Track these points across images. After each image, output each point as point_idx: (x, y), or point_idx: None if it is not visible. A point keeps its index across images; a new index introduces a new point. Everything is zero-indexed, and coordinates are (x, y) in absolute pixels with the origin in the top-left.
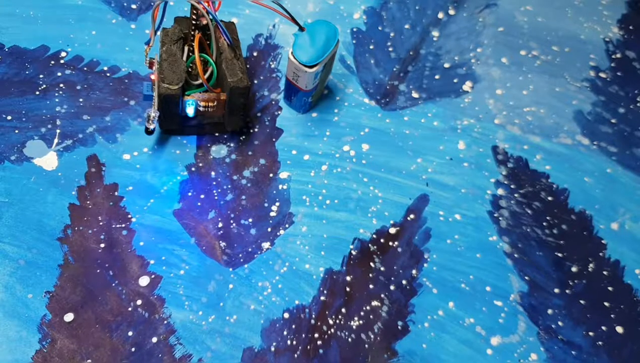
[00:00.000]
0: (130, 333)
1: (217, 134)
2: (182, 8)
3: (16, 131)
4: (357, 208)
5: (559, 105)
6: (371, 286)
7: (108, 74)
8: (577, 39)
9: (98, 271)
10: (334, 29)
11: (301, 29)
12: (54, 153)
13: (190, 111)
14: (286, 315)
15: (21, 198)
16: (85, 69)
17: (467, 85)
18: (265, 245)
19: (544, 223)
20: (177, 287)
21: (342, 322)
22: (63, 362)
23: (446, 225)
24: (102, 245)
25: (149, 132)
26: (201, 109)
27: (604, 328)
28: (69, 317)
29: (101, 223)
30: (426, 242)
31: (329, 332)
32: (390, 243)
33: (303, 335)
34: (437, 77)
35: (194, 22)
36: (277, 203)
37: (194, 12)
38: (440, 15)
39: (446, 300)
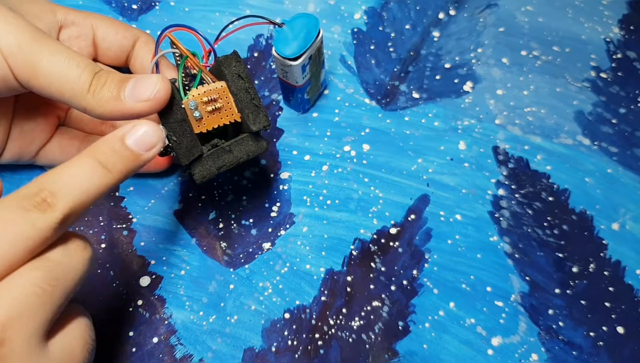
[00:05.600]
0: (130, 334)
1: (251, 156)
2: (182, 9)
3: None
4: (357, 208)
5: (560, 106)
6: (372, 286)
7: None
8: (577, 39)
9: (99, 271)
10: (314, 20)
11: (279, 25)
12: None
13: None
14: (287, 316)
15: None
16: None
17: (467, 86)
18: (266, 245)
19: (545, 224)
20: (177, 288)
21: (342, 322)
22: None
23: (447, 225)
24: (103, 246)
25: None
26: (205, 99)
27: (605, 328)
28: None
29: (102, 224)
30: (427, 243)
31: (330, 332)
32: (391, 244)
33: (304, 335)
34: (437, 77)
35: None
36: (278, 204)
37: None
38: (441, 15)
39: (447, 301)
